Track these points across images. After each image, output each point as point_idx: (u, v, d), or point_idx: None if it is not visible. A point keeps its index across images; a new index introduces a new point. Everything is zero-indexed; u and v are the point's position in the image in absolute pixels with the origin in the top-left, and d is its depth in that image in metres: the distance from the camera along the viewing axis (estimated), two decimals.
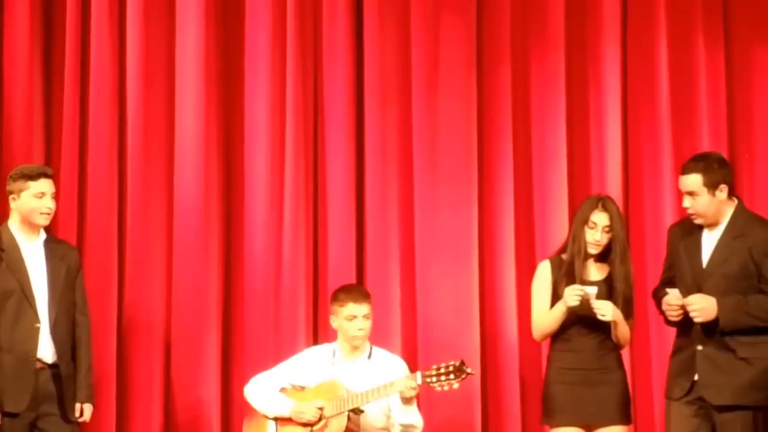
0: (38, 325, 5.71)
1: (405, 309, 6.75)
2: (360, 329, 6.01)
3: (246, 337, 6.76)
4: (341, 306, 6.04)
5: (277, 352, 6.56)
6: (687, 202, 5.50)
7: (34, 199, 5.79)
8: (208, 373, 6.70)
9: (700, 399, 5.50)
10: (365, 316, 6.02)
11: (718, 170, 5.50)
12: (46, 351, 5.74)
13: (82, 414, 5.82)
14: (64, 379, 5.75)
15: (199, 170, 6.79)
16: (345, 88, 6.84)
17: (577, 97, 6.85)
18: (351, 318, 6.01)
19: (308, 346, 6.52)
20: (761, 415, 5.46)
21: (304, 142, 6.83)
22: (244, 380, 6.29)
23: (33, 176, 5.80)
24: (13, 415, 5.66)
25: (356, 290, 6.19)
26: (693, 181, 5.47)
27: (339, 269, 6.74)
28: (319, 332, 6.72)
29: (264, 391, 6.09)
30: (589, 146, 6.83)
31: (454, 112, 6.79)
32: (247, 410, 6.18)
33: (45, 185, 5.80)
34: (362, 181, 6.84)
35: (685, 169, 5.51)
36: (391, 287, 6.75)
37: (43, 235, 5.87)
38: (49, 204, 5.79)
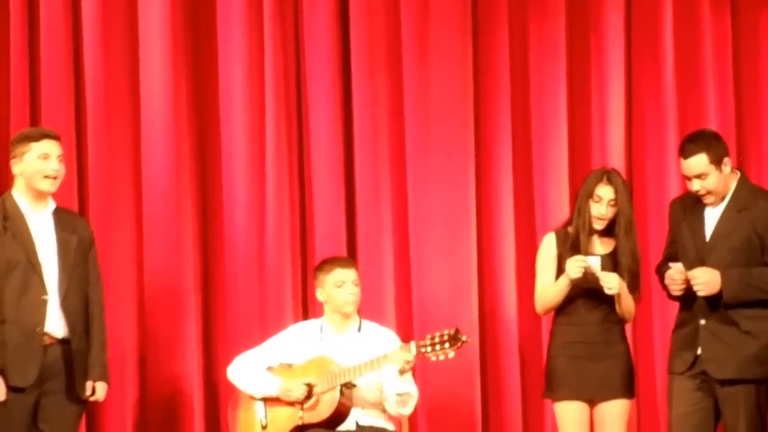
0: (45, 297, 5.55)
1: (399, 285, 6.76)
2: (351, 294, 5.98)
3: (228, 316, 6.72)
4: (327, 274, 6.01)
5: (264, 330, 6.51)
6: (696, 185, 5.52)
7: (38, 160, 5.57)
8: (188, 352, 6.64)
9: (703, 373, 5.55)
10: (354, 282, 6.00)
11: (718, 145, 5.55)
12: (55, 325, 5.58)
13: (93, 392, 5.67)
14: (76, 356, 5.60)
15: (169, 140, 6.67)
16: (330, 52, 6.76)
17: (578, 65, 6.84)
18: (340, 284, 5.98)
19: (297, 320, 6.49)
20: (764, 389, 5.52)
21: (285, 111, 6.76)
22: (230, 357, 6.23)
23: (35, 137, 5.61)
24: (20, 390, 5.52)
25: (341, 257, 6.22)
26: (699, 162, 5.49)
27: (328, 243, 6.70)
28: (309, 309, 6.69)
29: (249, 371, 6.05)
30: (591, 117, 6.83)
31: (447, 80, 6.75)
32: (232, 394, 6.11)
33: (49, 146, 5.58)
34: (351, 152, 6.79)
35: (686, 153, 5.52)
36: (384, 263, 6.74)
37: (52, 205, 5.68)
38: (54, 166, 5.58)
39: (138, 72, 6.66)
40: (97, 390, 5.67)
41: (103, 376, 5.69)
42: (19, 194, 5.62)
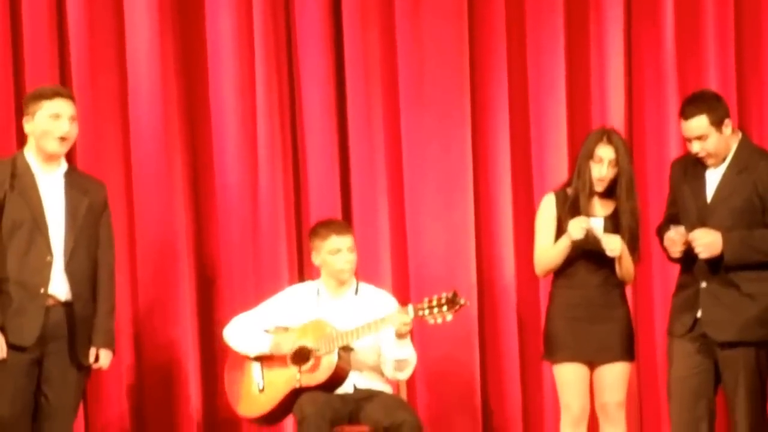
0: (50, 258, 5.47)
1: (395, 248, 6.74)
2: (346, 261, 5.98)
3: (222, 279, 6.69)
4: (323, 240, 5.99)
5: (259, 293, 6.47)
6: (696, 146, 5.51)
7: (49, 119, 5.45)
8: (182, 317, 6.61)
9: (703, 336, 5.55)
10: (349, 249, 6.00)
11: (718, 106, 5.53)
12: (59, 287, 5.50)
13: (97, 359, 5.59)
14: (79, 320, 5.52)
15: (156, 100, 6.59)
16: (321, 9, 6.70)
17: (576, 22, 6.78)
18: (335, 251, 5.97)
19: (292, 283, 6.47)
20: (764, 352, 5.51)
21: (276, 69, 6.69)
22: (225, 321, 6.21)
23: (48, 95, 5.49)
24: (20, 349, 5.46)
25: (336, 222, 6.18)
26: (699, 124, 5.47)
27: (322, 204, 6.67)
28: (305, 271, 6.66)
29: (244, 332, 6.04)
30: (590, 76, 6.77)
31: (442, 37, 6.69)
32: (228, 356, 6.11)
33: (61, 105, 5.47)
34: (344, 112, 6.74)
35: (687, 114, 5.50)
36: (379, 225, 6.72)
37: (64, 166, 5.58)
38: (65, 127, 5.46)
39: (123, 25, 6.59)
40: (101, 357, 5.59)
41: (108, 344, 5.61)
42: (30, 153, 5.52)
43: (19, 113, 6.24)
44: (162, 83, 6.58)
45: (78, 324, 5.51)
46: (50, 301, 5.47)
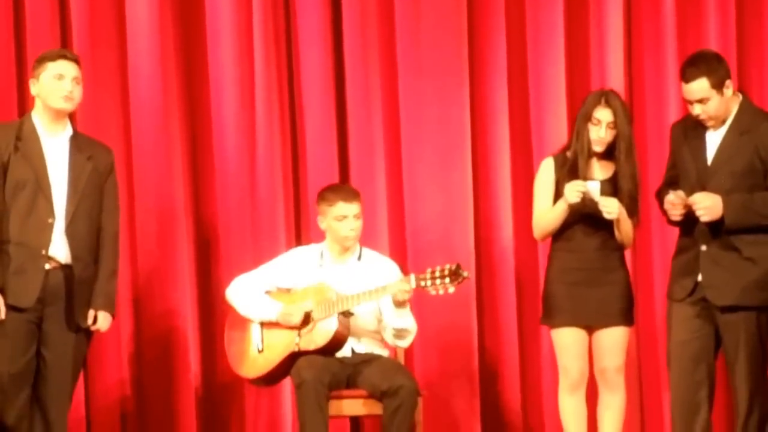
0: (51, 220, 5.52)
1: (392, 211, 6.73)
2: (351, 229, 5.98)
3: (221, 245, 6.66)
4: (330, 206, 5.98)
5: (257, 258, 6.44)
6: (697, 109, 5.47)
7: (53, 80, 5.54)
8: (180, 285, 6.60)
9: (703, 300, 5.51)
10: (356, 216, 5.99)
11: (719, 68, 5.48)
12: (59, 249, 5.54)
13: (95, 322, 5.62)
14: (77, 283, 5.55)
15: (155, 62, 6.57)
16: None
17: None
18: (341, 218, 5.95)
19: (289, 248, 6.45)
20: (765, 316, 5.48)
21: (274, 31, 6.67)
22: (223, 285, 6.23)
23: (52, 57, 5.59)
24: (19, 310, 5.50)
25: (345, 189, 6.15)
26: (700, 87, 5.42)
27: (319, 166, 6.66)
28: (302, 234, 6.66)
29: (248, 294, 6.04)
30: (589, 36, 6.73)
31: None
32: (229, 314, 6.11)
33: (65, 66, 5.56)
34: (342, 75, 6.71)
35: (687, 77, 5.45)
36: (376, 188, 6.69)
37: (69, 130, 5.64)
38: (67, 86, 5.54)
39: None
40: (99, 319, 5.61)
41: (107, 306, 5.64)
42: (37, 116, 5.60)
43: (21, 83, 6.39)
44: (161, 51, 6.57)
45: (77, 287, 5.54)
46: (50, 263, 5.51)
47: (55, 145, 5.57)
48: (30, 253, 5.48)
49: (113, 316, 5.68)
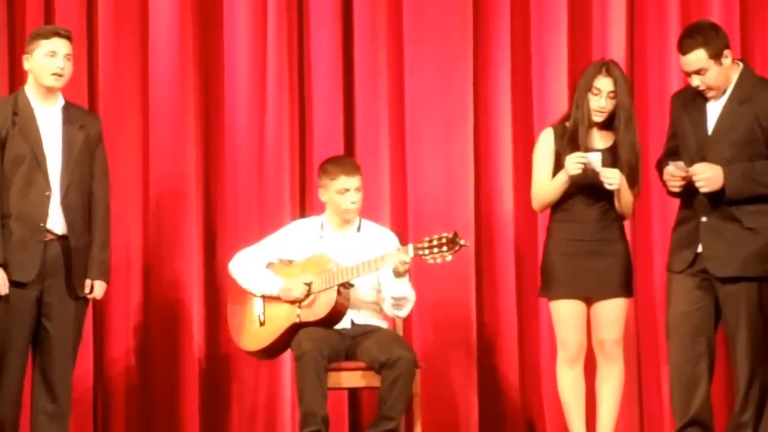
0: (48, 193, 5.63)
1: (394, 182, 6.71)
2: (352, 202, 5.99)
3: (228, 212, 6.71)
4: (332, 179, 5.97)
5: (262, 230, 6.46)
6: (696, 80, 5.42)
7: (46, 57, 5.66)
8: (188, 249, 6.62)
9: (703, 271, 5.46)
10: (357, 189, 6.00)
11: (717, 37, 5.43)
12: (56, 221, 5.65)
13: (92, 291, 5.73)
14: (74, 253, 5.66)
15: (174, 37, 6.65)
16: None
17: None
18: (343, 191, 5.96)
19: (295, 219, 6.45)
20: (766, 286, 5.42)
21: (287, 9, 6.70)
22: (228, 257, 6.22)
23: (46, 34, 5.70)
24: (21, 285, 5.60)
25: (347, 162, 6.13)
26: (698, 58, 5.38)
27: (326, 138, 6.66)
28: (307, 205, 6.68)
29: (250, 268, 6.06)
30: (592, 7, 6.67)
31: None
32: (231, 288, 6.13)
33: (57, 44, 5.66)
34: (350, 44, 6.70)
35: (685, 48, 5.41)
36: (380, 159, 6.68)
37: (61, 101, 5.76)
38: (59, 64, 5.65)
39: None
40: (95, 288, 5.73)
41: (102, 275, 5.75)
42: (30, 90, 5.71)
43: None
44: (180, 29, 6.63)
45: (74, 256, 5.63)
46: (48, 236, 5.61)
47: (48, 118, 5.67)
48: (29, 227, 5.57)
49: (108, 283, 5.77)
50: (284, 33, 6.66)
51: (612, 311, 5.78)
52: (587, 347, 5.85)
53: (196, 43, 6.69)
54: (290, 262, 6.02)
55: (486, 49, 6.67)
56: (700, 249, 5.42)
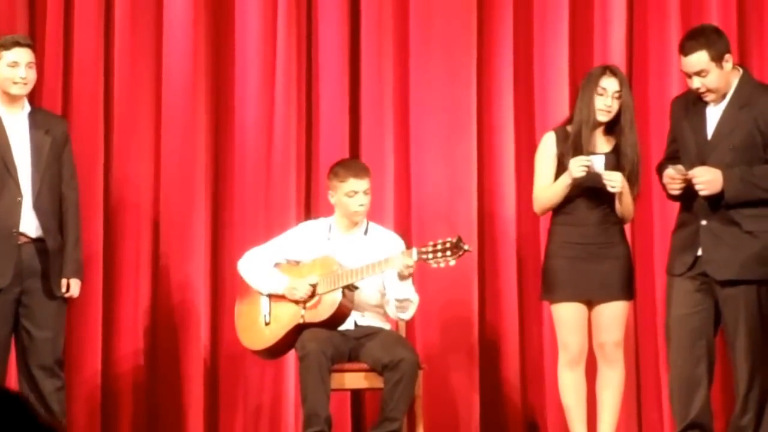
0: (20, 198, 5.72)
1: (398, 182, 6.72)
2: (361, 205, 6.01)
3: (235, 213, 6.73)
4: (341, 182, 6.00)
5: (268, 228, 6.51)
6: (696, 82, 5.41)
7: (8, 68, 5.77)
8: (197, 250, 6.65)
9: (703, 274, 5.46)
10: (365, 192, 6.02)
11: (718, 41, 5.43)
12: (29, 225, 5.74)
13: (69, 289, 5.83)
14: (51, 254, 5.76)
15: (187, 40, 6.69)
16: None
17: None
18: (352, 194, 5.99)
19: (299, 221, 6.48)
20: (765, 290, 5.42)
21: (296, 14, 6.73)
22: (234, 258, 6.25)
23: (6, 45, 5.81)
24: None
25: (356, 165, 6.16)
26: (699, 59, 5.37)
27: (332, 141, 6.68)
28: (312, 207, 6.69)
29: (258, 267, 6.09)
30: (593, 13, 6.67)
31: None
32: (239, 287, 6.16)
33: (19, 54, 5.78)
34: (357, 49, 6.73)
35: (687, 50, 5.40)
36: (385, 162, 6.69)
37: (27, 108, 5.86)
38: (21, 73, 5.77)
39: None
40: (72, 287, 5.83)
41: (77, 273, 5.84)
42: None
43: None
44: (193, 37, 6.66)
45: (50, 258, 5.73)
46: (22, 240, 5.70)
47: (15, 124, 5.77)
48: (3, 233, 5.66)
49: (82, 281, 5.87)
50: (293, 39, 6.69)
51: (613, 314, 5.79)
52: (588, 350, 5.86)
53: (209, 49, 6.73)
54: (297, 262, 6.05)
55: (489, 54, 6.68)
56: (700, 252, 5.41)
